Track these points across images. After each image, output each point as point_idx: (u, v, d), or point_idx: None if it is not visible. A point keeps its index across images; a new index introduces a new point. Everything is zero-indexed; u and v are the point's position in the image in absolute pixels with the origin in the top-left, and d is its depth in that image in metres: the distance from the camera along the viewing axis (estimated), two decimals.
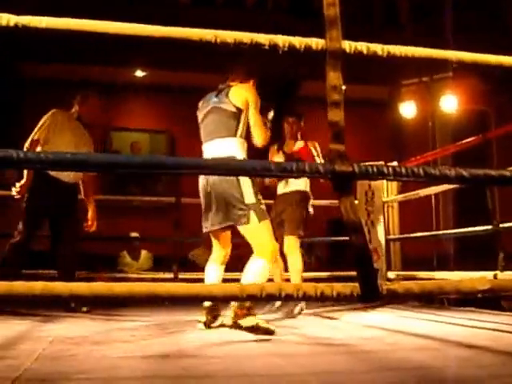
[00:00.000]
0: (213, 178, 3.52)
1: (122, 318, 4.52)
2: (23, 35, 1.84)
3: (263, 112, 3.69)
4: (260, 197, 3.52)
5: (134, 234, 7.46)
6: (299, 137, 5.28)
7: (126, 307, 5.04)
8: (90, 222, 4.84)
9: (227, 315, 3.52)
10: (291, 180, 5.08)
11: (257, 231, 3.48)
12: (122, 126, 9.18)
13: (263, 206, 3.53)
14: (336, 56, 1.86)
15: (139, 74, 8.77)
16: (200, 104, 3.82)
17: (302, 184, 5.14)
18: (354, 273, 1.82)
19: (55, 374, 2.26)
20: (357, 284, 1.72)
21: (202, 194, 3.71)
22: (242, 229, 3.51)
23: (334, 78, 1.84)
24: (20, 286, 1.67)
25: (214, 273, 3.86)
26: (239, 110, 3.53)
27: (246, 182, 3.46)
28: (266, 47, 1.91)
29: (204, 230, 3.76)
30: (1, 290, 1.67)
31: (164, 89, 8.78)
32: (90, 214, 4.85)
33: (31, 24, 1.80)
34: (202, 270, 4.89)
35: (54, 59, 7.68)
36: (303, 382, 2.17)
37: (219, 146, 3.54)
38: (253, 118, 3.54)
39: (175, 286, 1.79)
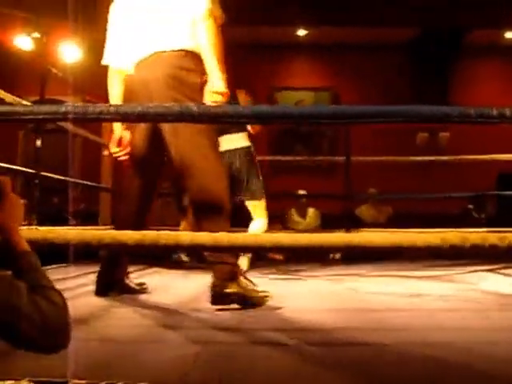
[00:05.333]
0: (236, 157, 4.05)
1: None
2: None
3: None
4: None
5: (302, 192, 7.58)
6: None
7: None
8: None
9: None
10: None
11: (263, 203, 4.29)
12: (286, 85, 9.29)
13: None
14: None
15: (301, 32, 8.78)
16: None
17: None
18: None
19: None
20: None
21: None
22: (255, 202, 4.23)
23: None
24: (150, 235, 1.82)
25: None
26: None
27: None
28: None
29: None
30: (134, 239, 1.82)
31: (327, 46, 8.72)
32: None
33: None
34: (367, 225, 4.92)
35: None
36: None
37: None
38: None
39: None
